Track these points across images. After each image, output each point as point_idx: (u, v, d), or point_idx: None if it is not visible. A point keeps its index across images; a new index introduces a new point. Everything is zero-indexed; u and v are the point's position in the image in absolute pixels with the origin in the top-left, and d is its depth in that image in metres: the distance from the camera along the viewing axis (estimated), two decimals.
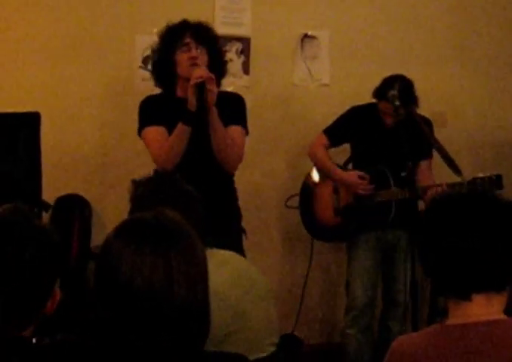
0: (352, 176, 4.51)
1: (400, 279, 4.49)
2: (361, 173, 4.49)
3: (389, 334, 4.54)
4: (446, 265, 1.90)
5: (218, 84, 3.77)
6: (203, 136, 3.69)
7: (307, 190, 4.76)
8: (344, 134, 4.61)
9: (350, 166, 4.72)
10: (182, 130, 3.65)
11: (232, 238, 3.74)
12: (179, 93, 3.85)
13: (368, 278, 4.53)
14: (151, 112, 3.85)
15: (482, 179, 4.22)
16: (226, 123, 3.77)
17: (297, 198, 4.87)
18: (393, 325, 4.59)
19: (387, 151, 4.47)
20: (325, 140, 4.62)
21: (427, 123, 4.54)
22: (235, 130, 3.84)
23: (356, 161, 4.69)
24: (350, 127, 4.58)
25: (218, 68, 3.82)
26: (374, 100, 4.54)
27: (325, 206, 4.63)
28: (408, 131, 4.29)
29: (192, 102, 3.60)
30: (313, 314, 5.34)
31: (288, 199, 4.94)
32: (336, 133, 4.61)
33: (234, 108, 3.91)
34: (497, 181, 4.22)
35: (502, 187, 4.24)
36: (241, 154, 3.85)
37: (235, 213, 3.94)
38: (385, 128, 4.50)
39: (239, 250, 3.64)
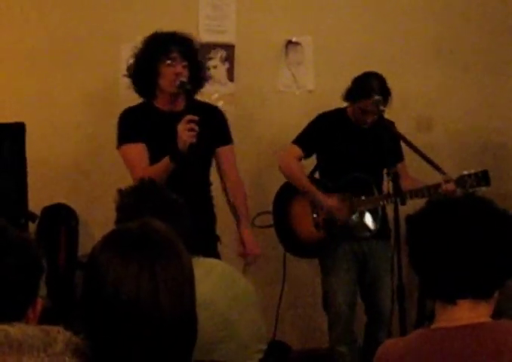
0: (334, 202, 4.37)
1: (383, 287, 4.40)
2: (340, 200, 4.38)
3: (373, 341, 4.38)
4: (434, 269, 1.91)
5: (194, 95, 3.94)
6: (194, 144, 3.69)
7: (282, 205, 4.57)
8: (317, 143, 4.45)
9: (317, 175, 4.59)
10: (168, 166, 3.69)
11: (209, 244, 3.85)
12: (157, 102, 3.94)
13: (348, 291, 4.42)
14: (130, 127, 3.89)
15: (469, 176, 4.24)
16: (217, 142, 3.95)
17: (263, 216, 4.71)
18: (381, 337, 4.37)
19: (358, 156, 4.41)
20: (298, 151, 4.42)
21: (392, 124, 4.52)
22: (229, 153, 4.08)
23: (324, 169, 4.55)
24: (321, 135, 4.44)
25: (198, 80, 3.94)
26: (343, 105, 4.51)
27: (305, 221, 4.46)
28: (378, 135, 4.26)
29: (185, 145, 3.62)
30: (292, 325, 5.31)
31: (254, 217, 4.81)
32: (309, 142, 4.44)
33: (222, 126, 4.04)
34: (484, 176, 4.24)
35: (489, 182, 4.24)
36: (238, 176, 4.13)
37: (211, 219, 4.01)
38: (356, 134, 4.43)
39: (215, 255, 3.79)
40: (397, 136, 4.39)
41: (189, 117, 3.64)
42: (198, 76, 3.95)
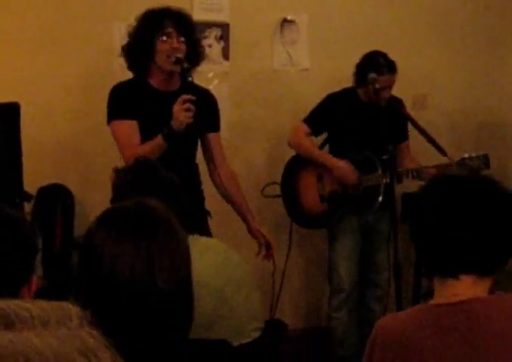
0: (347, 167, 4.46)
1: (381, 260, 4.55)
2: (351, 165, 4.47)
3: (370, 313, 4.62)
4: (437, 246, 1.91)
5: (191, 73, 3.82)
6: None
7: (289, 178, 4.72)
8: (325, 123, 4.58)
9: (326, 149, 4.71)
10: (161, 145, 3.61)
11: (200, 220, 3.81)
12: (151, 80, 3.84)
13: (353, 261, 4.57)
14: (123, 103, 3.80)
15: (470, 158, 4.34)
16: (208, 127, 3.87)
17: (273, 186, 4.84)
18: (373, 305, 4.66)
19: (367, 135, 4.49)
20: (306, 130, 4.57)
21: (400, 103, 4.62)
22: (219, 140, 4.00)
23: (333, 144, 4.67)
24: (330, 115, 4.56)
25: (195, 57, 3.84)
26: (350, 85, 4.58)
27: (310, 193, 4.61)
28: (387, 114, 4.30)
29: (181, 125, 3.55)
30: (294, 300, 5.34)
31: (264, 188, 4.91)
32: (317, 122, 4.58)
33: (214, 111, 3.97)
34: (484, 160, 4.34)
35: (489, 166, 4.34)
36: (226, 161, 4.03)
37: (200, 196, 3.98)
38: (365, 112, 4.51)
39: (205, 229, 3.79)
40: (403, 115, 4.51)
41: (185, 96, 3.56)
42: (195, 53, 3.85)
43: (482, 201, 1.91)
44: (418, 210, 1.99)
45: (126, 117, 3.77)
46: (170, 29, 3.74)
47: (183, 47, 3.75)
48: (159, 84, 3.83)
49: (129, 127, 3.76)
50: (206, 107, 3.85)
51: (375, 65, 4.39)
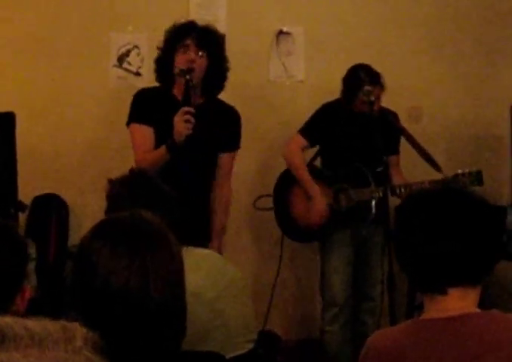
0: (323, 205, 4.43)
1: (374, 273, 4.52)
2: (327, 209, 4.44)
3: (363, 327, 4.58)
4: (422, 262, 1.91)
5: (217, 93, 3.91)
6: (194, 138, 3.65)
7: (282, 190, 4.68)
8: (322, 133, 4.53)
9: (318, 160, 4.69)
10: (163, 155, 3.65)
11: (203, 233, 3.85)
12: (175, 92, 3.86)
13: (346, 274, 4.53)
14: (142, 108, 3.84)
15: (463, 175, 4.34)
16: (224, 145, 3.90)
17: (265, 199, 4.82)
18: (366, 318, 4.62)
19: (360, 146, 4.46)
20: (302, 141, 4.52)
21: (395, 117, 4.60)
22: (230, 160, 3.98)
23: (326, 156, 4.64)
24: (325, 124, 4.53)
25: (215, 73, 3.84)
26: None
27: (302, 207, 4.55)
28: (380, 126, 4.29)
29: (181, 136, 3.58)
30: (286, 311, 5.33)
31: (256, 200, 4.89)
32: (313, 133, 4.53)
33: (234, 129, 3.98)
34: (477, 177, 4.35)
35: (483, 183, 4.35)
36: (230, 187, 4.04)
37: (208, 211, 3.97)
38: (358, 123, 4.48)
39: (208, 243, 3.82)
40: (397, 128, 4.50)
41: (185, 108, 3.59)
42: (216, 69, 3.85)
43: (461, 212, 1.91)
44: (402, 226, 1.98)
45: (144, 122, 3.81)
46: (189, 41, 3.76)
47: (202, 60, 3.76)
48: (181, 96, 3.82)
49: (144, 133, 3.79)
50: (227, 124, 3.92)
51: (363, 78, 4.38)
